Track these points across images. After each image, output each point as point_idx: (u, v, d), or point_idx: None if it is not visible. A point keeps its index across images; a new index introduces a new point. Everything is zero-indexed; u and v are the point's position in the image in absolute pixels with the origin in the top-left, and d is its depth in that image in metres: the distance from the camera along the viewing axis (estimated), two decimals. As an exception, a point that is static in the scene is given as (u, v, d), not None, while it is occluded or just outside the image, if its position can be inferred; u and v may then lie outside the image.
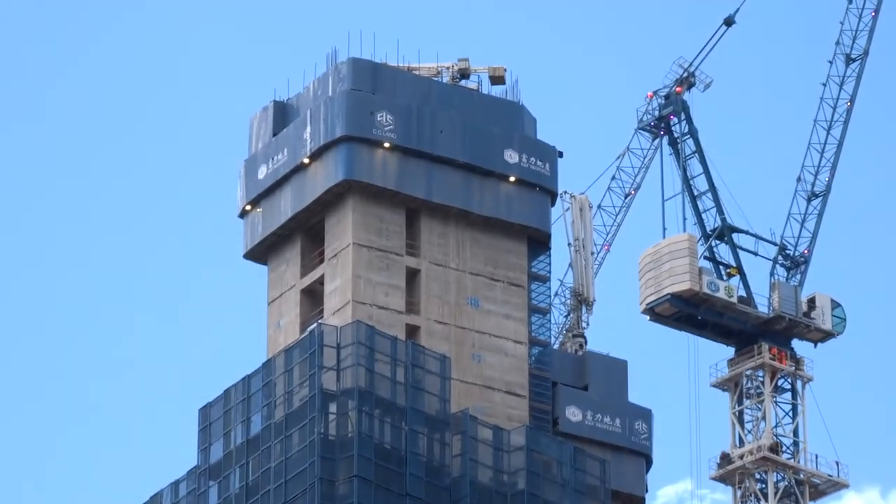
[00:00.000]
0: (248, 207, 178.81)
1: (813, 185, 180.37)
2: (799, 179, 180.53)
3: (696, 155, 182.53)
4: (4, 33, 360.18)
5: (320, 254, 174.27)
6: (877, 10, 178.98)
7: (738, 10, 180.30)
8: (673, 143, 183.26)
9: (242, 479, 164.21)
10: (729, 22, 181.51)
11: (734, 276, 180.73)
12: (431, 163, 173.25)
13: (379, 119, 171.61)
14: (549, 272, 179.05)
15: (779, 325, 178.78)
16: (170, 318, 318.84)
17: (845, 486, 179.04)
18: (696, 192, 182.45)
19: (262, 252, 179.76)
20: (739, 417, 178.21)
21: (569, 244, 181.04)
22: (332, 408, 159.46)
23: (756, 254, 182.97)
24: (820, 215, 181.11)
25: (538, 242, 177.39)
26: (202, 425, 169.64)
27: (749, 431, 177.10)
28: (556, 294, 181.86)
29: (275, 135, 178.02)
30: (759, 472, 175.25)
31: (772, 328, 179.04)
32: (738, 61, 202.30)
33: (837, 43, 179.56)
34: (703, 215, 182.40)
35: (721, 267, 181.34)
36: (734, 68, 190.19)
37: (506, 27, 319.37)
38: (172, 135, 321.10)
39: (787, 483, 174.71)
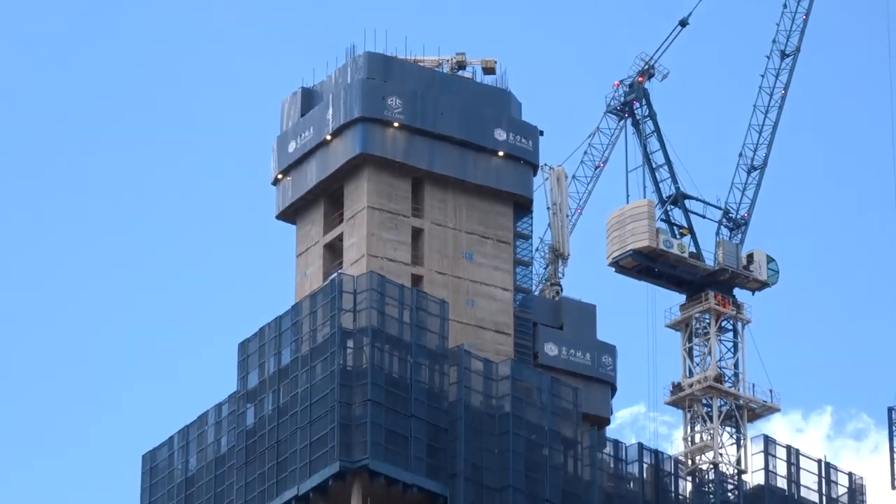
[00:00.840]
0: (279, 176, 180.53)
1: (752, 159, 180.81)
2: (741, 155, 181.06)
3: (655, 134, 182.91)
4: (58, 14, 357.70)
5: (340, 215, 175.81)
6: (807, 14, 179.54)
7: (690, 13, 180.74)
8: (635, 124, 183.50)
9: (274, 403, 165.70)
10: (683, 23, 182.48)
11: (686, 235, 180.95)
12: (433, 139, 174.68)
13: (389, 103, 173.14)
14: (531, 231, 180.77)
15: (722, 276, 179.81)
16: (214, 269, 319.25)
17: (776, 409, 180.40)
18: (654, 165, 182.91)
19: (291, 214, 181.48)
20: (689, 353, 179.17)
21: (547, 208, 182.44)
22: (350, 343, 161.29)
23: (704, 217, 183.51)
24: (758, 185, 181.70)
25: (522, 206, 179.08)
26: (241, 357, 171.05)
27: (697, 364, 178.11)
28: (536, 249, 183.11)
29: (302, 115, 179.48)
30: (706, 398, 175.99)
31: (717, 279, 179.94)
32: (691, 56, 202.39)
33: (774, 41, 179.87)
34: (660, 184, 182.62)
35: (675, 227, 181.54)
36: (688, 62, 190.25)
37: (496, 26, 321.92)
38: (217, 116, 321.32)
39: (728, 407, 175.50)
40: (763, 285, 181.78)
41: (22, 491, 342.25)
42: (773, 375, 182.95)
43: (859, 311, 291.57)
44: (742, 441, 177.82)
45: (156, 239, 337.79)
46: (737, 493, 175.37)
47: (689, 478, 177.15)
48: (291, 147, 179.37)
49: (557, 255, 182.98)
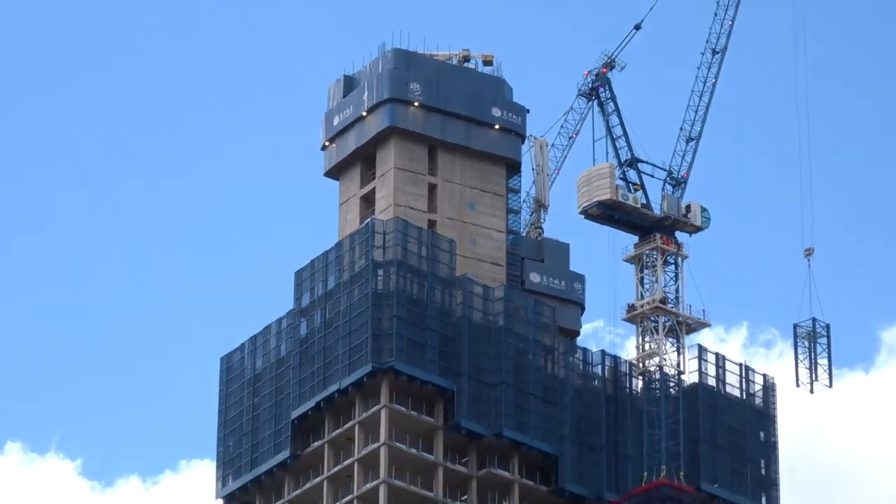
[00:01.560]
0: (327, 143, 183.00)
1: (690, 132, 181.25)
2: (681, 129, 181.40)
3: (615, 112, 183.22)
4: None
5: (372, 174, 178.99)
6: (733, 21, 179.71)
7: (643, 19, 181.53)
8: (600, 104, 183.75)
9: (322, 318, 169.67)
10: (638, 26, 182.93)
11: (638, 190, 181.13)
12: (445, 115, 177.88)
13: (411, 87, 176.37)
14: (520, 187, 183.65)
15: (666, 222, 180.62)
16: (277, 215, 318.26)
17: (707, 325, 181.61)
18: (614, 136, 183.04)
19: (335, 172, 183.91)
20: (641, 281, 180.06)
21: (532, 169, 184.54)
22: (380, 272, 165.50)
23: (652, 176, 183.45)
24: (694, 152, 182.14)
25: (512, 168, 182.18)
26: (297, 283, 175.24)
27: (647, 290, 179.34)
28: (524, 201, 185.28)
29: (344, 97, 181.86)
30: (653, 316, 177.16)
31: (662, 224, 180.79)
32: (643, 51, 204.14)
33: (707, 41, 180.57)
34: (619, 151, 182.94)
35: (630, 184, 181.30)
36: (641, 56, 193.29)
37: (494, 27, 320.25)
38: (279, 97, 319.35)
39: (670, 323, 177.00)
40: (698, 229, 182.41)
41: (128, 387, 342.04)
42: (704, 298, 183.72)
43: (770, 249, 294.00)
44: (681, 349, 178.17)
45: (235, 192, 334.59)
46: (677, 388, 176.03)
47: (640, 377, 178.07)
48: (336, 121, 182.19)
49: (540, 206, 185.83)
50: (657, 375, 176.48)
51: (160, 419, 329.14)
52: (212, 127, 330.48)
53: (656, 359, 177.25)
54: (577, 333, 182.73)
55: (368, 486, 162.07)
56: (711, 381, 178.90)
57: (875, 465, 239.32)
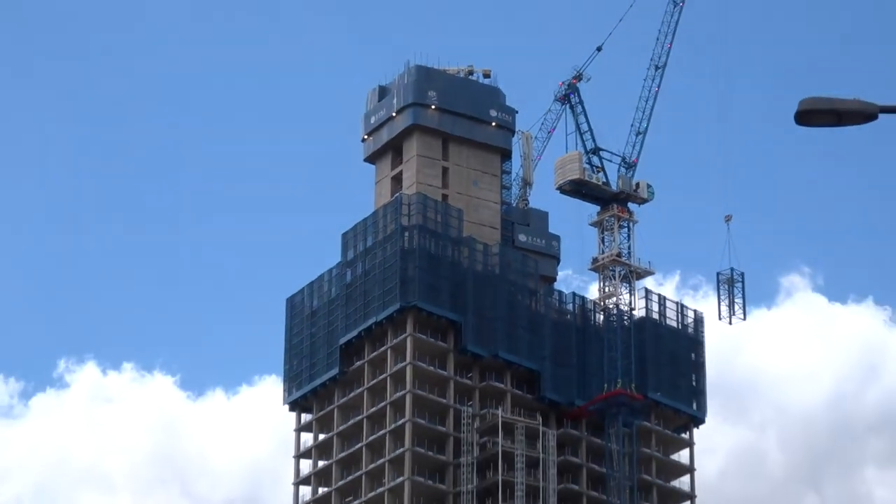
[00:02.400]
0: (365, 137, 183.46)
1: (639, 127, 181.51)
2: (632, 125, 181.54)
3: (582, 113, 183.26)
4: None
5: (400, 160, 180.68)
6: (671, 43, 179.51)
7: (602, 43, 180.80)
8: (571, 107, 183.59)
9: (363, 268, 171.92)
10: (599, 48, 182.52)
11: (600, 172, 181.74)
12: (454, 115, 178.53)
13: (429, 94, 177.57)
14: (511, 169, 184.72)
15: (621, 195, 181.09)
16: (330, 192, 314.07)
17: (651, 273, 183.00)
18: (581, 131, 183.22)
19: (372, 158, 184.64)
20: (602, 240, 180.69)
21: (520, 156, 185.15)
22: (406, 234, 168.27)
23: (610, 161, 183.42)
24: (642, 142, 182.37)
25: (505, 155, 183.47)
26: (343, 242, 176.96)
27: (607, 246, 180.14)
28: (514, 180, 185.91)
29: (379, 101, 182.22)
30: (612, 266, 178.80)
31: (618, 197, 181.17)
32: (604, 67, 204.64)
33: (651, 59, 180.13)
34: (585, 142, 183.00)
35: (593, 167, 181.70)
36: (602, 70, 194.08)
37: (491, 48, 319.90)
38: (332, 101, 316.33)
39: (625, 272, 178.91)
40: (645, 201, 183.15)
41: (216, 319, 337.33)
42: (649, 253, 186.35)
43: (699, 216, 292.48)
44: (632, 291, 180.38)
45: (299, 173, 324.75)
46: (629, 321, 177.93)
47: (602, 313, 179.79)
48: (372, 120, 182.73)
49: (526, 183, 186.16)
50: (614, 311, 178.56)
51: (239, 344, 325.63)
52: (280, 124, 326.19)
53: (614, 299, 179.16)
54: (554, 280, 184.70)
55: (397, 394, 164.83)
56: (655, 316, 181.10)
57: (776, 378, 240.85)
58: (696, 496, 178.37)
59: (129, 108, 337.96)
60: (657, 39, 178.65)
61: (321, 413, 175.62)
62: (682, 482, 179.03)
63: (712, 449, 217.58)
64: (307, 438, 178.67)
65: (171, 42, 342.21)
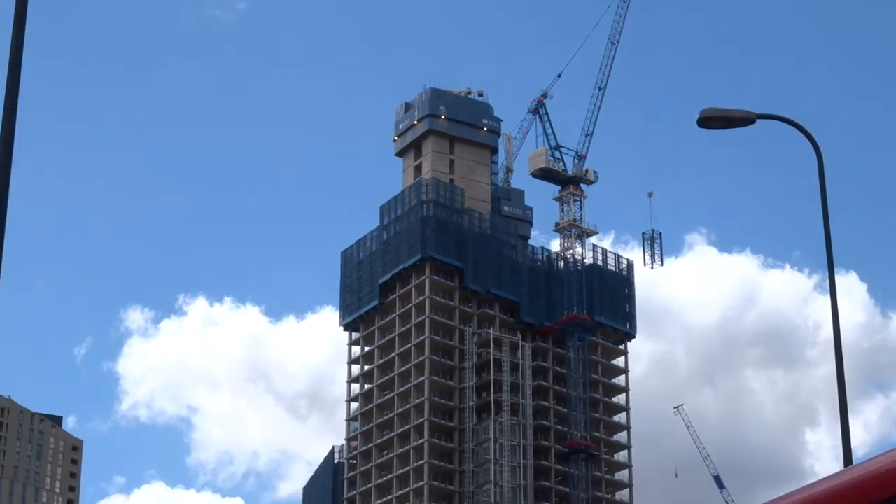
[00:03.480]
0: (395, 138, 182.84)
1: (587, 131, 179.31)
2: (583, 129, 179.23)
3: (548, 121, 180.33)
4: None
5: (420, 154, 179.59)
6: (610, 71, 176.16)
7: (561, 73, 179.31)
8: (540, 117, 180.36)
9: (394, 229, 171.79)
10: (559, 75, 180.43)
11: (560, 162, 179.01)
12: (458, 123, 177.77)
13: (440, 108, 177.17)
14: (498, 161, 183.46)
15: (575, 178, 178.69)
16: (370, 177, 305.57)
17: (596, 233, 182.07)
18: (547, 133, 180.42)
19: (400, 154, 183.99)
20: (562, 210, 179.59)
21: (504, 151, 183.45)
22: (424, 206, 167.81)
23: (567, 154, 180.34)
24: (589, 142, 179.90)
25: (494, 150, 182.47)
26: (381, 212, 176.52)
27: (566, 214, 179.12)
28: (500, 168, 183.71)
29: (405, 113, 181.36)
30: (569, 228, 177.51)
31: (573, 180, 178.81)
32: (563, 88, 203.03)
33: (596, 82, 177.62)
34: (550, 141, 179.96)
35: (556, 159, 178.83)
36: (561, 90, 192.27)
37: (485, 74, 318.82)
38: (373, 114, 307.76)
39: (578, 231, 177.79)
40: (591, 182, 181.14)
41: (291, 266, 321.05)
42: (595, 219, 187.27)
43: (630, 193, 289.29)
44: (584, 246, 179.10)
45: (347, 165, 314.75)
46: (581, 266, 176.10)
47: (563, 261, 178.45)
48: (400, 126, 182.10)
49: (508, 170, 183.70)
50: (571, 260, 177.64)
51: (308, 284, 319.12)
52: (338, 130, 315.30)
53: (570, 251, 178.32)
54: (528, 238, 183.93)
55: (419, 319, 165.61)
56: (599, 262, 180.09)
57: (683, 306, 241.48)
58: (629, 389, 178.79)
59: (230, 111, 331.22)
60: (600, 68, 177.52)
61: (366, 332, 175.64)
62: (620, 380, 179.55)
63: (640, 356, 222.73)
64: (356, 350, 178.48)
65: (254, 65, 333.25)
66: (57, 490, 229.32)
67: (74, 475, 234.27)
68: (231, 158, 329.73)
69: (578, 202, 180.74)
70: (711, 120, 19.25)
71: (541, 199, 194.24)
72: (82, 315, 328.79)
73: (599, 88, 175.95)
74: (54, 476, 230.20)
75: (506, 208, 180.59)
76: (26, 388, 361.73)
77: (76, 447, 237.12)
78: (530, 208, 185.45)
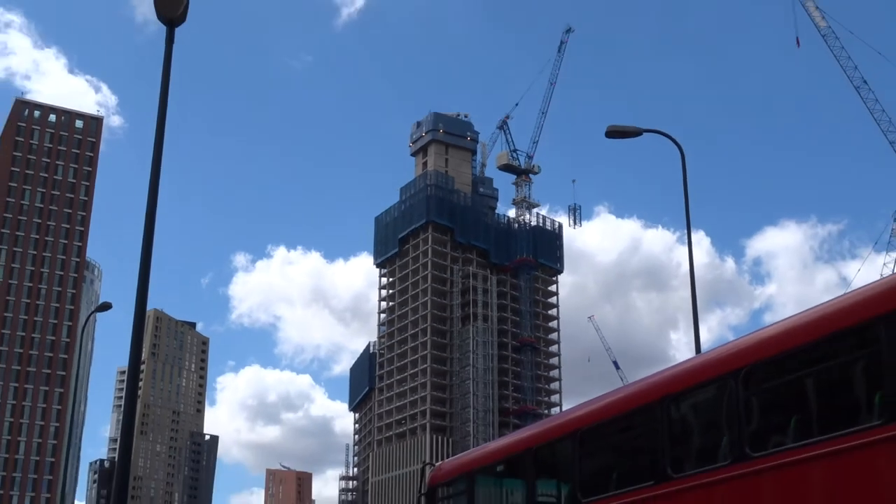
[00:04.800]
0: (410, 145, 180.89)
1: (534, 139, 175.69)
2: (531, 138, 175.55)
3: (509, 133, 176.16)
4: None
5: (426, 155, 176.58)
6: (549, 102, 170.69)
7: (518, 102, 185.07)
8: (503, 131, 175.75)
9: (408, 203, 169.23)
10: (517, 104, 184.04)
11: (516, 161, 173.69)
12: (451, 135, 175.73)
13: (439, 125, 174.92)
14: (477, 160, 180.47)
15: (526, 170, 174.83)
16: (394, 171, 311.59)
17: (538, 205, 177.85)
18: (508, 142, 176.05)
19: (414, 155, 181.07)
20: (517, 190, 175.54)
21: (481, 153, 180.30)
22: (428, 188, 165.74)
23: (522, 155, 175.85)
24: (535, 146, 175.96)
25: (473, 153, 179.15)
26: (401, 192, 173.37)
27: (519, 193, 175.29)
28: (478, 164, 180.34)
29: (416, 128, 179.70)
30: (522, 203, 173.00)
31: (524, 171, 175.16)
32: (519, 112, 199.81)
33: (540, 108, 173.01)
34: (510, 146, 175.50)
35: (513, 158, 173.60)
36: (518, 113, 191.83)
37: (469, 102, 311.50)
38: (393, 130, 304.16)
39: (528, 204, 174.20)
40: (537, 173, 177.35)
41: (331, 223, 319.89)
42: (539, 196, 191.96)
43: (560, 177, 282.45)
44: (531, 213, 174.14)
45: (376, 164, 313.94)
46: (529, 227, 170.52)
47: (517, 223, 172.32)
48: (413, 137, 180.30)
49: (483, 165, 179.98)
50: (523, 222, 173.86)
51: (353, 237, 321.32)
52: (373, 139, 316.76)
53: (522, 217, 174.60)
54: (496, 208, 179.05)
55: (423, 260, 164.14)
56: (541, 224, 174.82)
57: (594, 252, 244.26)
58: (559, 305, 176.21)
59: (313, 127, 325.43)
60: (543, 99, 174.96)
61: (389, 269, 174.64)
62: (552, 300, 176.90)
63: (565, 284, 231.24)
64: (383, 280, 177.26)
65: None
66: (192, 370, 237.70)
67: (203, 360, 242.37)
68: (306, 158, 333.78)
69: (527, 186, 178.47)
70: (613, 133, 18.50)
71: (504, 183, 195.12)
72: (207, 256, 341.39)
73: (542, 112, 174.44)
74: (190, 361, 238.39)
75: (481, 189, 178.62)
76: (172, 303, 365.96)
77: (204, 342, 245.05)
78: (497, 189, 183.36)
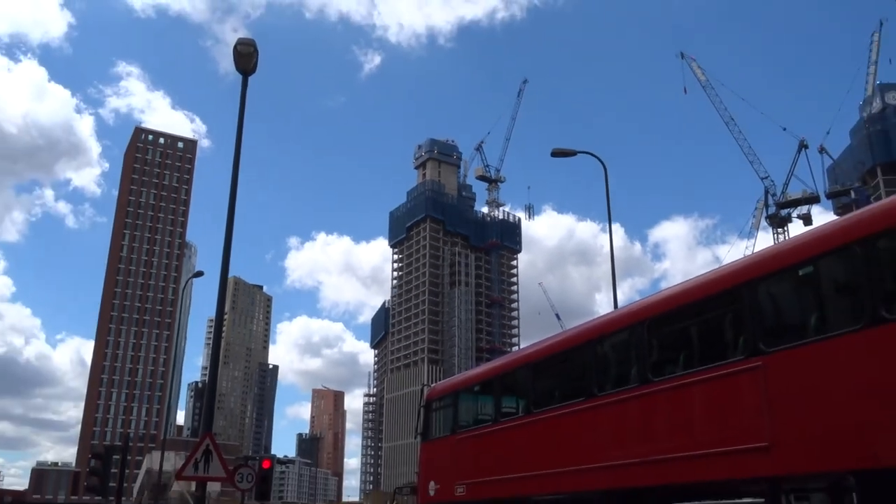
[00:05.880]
0: (414, 160, 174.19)
1: (502, 156, 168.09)
2: (500, 156, 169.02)
3: (483, 154, 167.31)
4: None
5: (425, 169, 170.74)
6: (512, 130, 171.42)
7: (489, 132, 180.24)
8: (479, 151, 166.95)
9: (413, 203, 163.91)
10: (489, 133, 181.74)
11: (489, 173, 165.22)
12: (444, 154, 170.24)
13: (434, 147, 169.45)
14: (462, 173, 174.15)
15: (495, 180, 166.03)
16: (402, 181, 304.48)
17: (504, 204, 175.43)
18: (483, 160, 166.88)
19: (417, 168, 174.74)
20: (489, 194, 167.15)
21: (464, 168, 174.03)
22: (426, 192, 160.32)
23: (492, 168, 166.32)
24: (503, 163, 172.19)
25: (458, 167, 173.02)
26: (407, 195, 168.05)
27: (492, 196, 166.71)
28: (462, 176, 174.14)
29: (418, 149, 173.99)
30: (493, 203, 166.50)
31: (495, 180, 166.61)
32: (490, 140, 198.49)
33: (504, 135, 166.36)
34: (484, 162, 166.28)
35: (487, 171, 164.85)
36: (490, 140, 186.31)
37: (456, 129, 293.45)
38: (403, 149, 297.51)
39: (496, 204, 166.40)
40: (503, 182, 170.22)
41: (355, 212, 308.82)
42: (504, 197, 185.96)
43: (519, 181, 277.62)
44: (498, 210, 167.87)
45: (389, 175, 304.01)
46: (497, 219, 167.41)
47: (489, 217, 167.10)
48: (416, 155, 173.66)
49: (465, 176, 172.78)
50: (493, 217, 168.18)
51: (372, 225, 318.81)
52: (386, 155, 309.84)
53: (493, 213, 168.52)
54: (474, 206, 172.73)
55: (423, 243, 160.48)
56: (505, 218, 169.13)
57: (542, 238, 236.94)
58: (518, 276, 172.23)
59: (350, 147, 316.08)
60: (507, 128, 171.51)
61: (400, 248, 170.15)
62: (514, 272, 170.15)
63: (522, 261, 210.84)
64: (395, 257, 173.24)
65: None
66: (260, 319, 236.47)
67: (268, 312, 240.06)
68: (340, 170, 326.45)
69: (496, 191, 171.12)
70: (557, 153, 17.97)
71: (480, 189, 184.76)
72: (271, 238, 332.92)
73: (507, 139, 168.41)
74: (258, 313, 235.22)
75: (464, 193, 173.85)
76: (247, 271, 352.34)
77: (269, 300, 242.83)
78: (475, 193, 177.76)
